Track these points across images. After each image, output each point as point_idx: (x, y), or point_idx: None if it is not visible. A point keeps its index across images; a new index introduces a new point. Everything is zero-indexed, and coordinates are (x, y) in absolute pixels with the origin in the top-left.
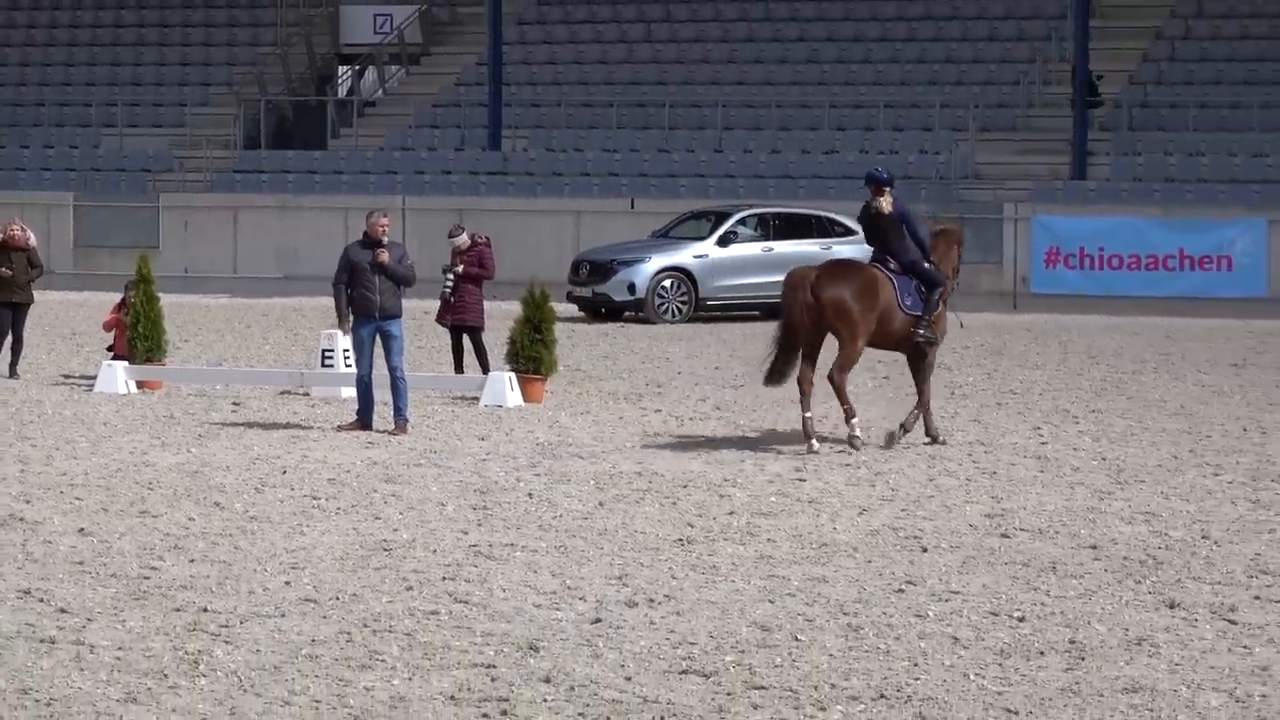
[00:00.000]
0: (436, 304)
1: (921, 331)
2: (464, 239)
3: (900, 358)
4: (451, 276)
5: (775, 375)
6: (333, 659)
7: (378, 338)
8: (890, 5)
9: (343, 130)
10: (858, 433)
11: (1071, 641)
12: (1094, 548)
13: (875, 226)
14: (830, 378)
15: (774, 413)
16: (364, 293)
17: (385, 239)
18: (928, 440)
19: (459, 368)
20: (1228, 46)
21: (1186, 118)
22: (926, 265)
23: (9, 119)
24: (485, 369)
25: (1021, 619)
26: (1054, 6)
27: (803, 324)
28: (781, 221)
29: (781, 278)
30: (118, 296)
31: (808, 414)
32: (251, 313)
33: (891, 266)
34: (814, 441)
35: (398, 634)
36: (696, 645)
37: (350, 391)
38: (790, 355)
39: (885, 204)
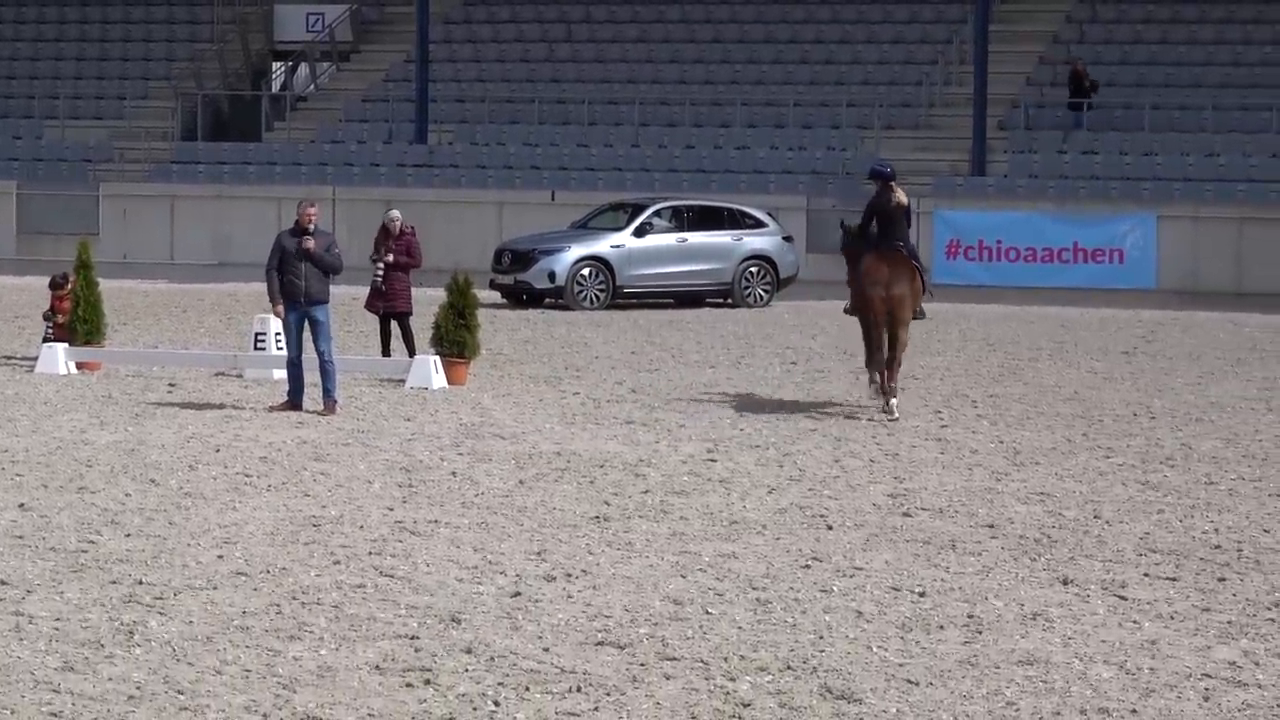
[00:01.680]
0: (365, 291)
1: (919, 309)
2: (395, 215)
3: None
4: (382, 266)
5: (879, 358)
6: (263, 630)
7: (306, 322)
8: (800, 8)
9: (276, 123)
10: (896, 413)
11: (970, 616)
12: (991, 526)
13: (890, 217)
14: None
15: (686, 398)
16: (292, 279)
17: (312, 227)
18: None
19: (386, 351)
20: (1120, 50)
21: (1080, 118)
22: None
23: None
24: (411, 353)
25: (922, 594)
26: (955, 11)
27: (885, 314)
28: (695, 214)
29: (695, 267)
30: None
31: (890, 384)
32: (187, 298)
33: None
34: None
35: (325, 606)
36: (612, 618)
37: (281, 373)
38: (882, 339)
39: (903, 195)
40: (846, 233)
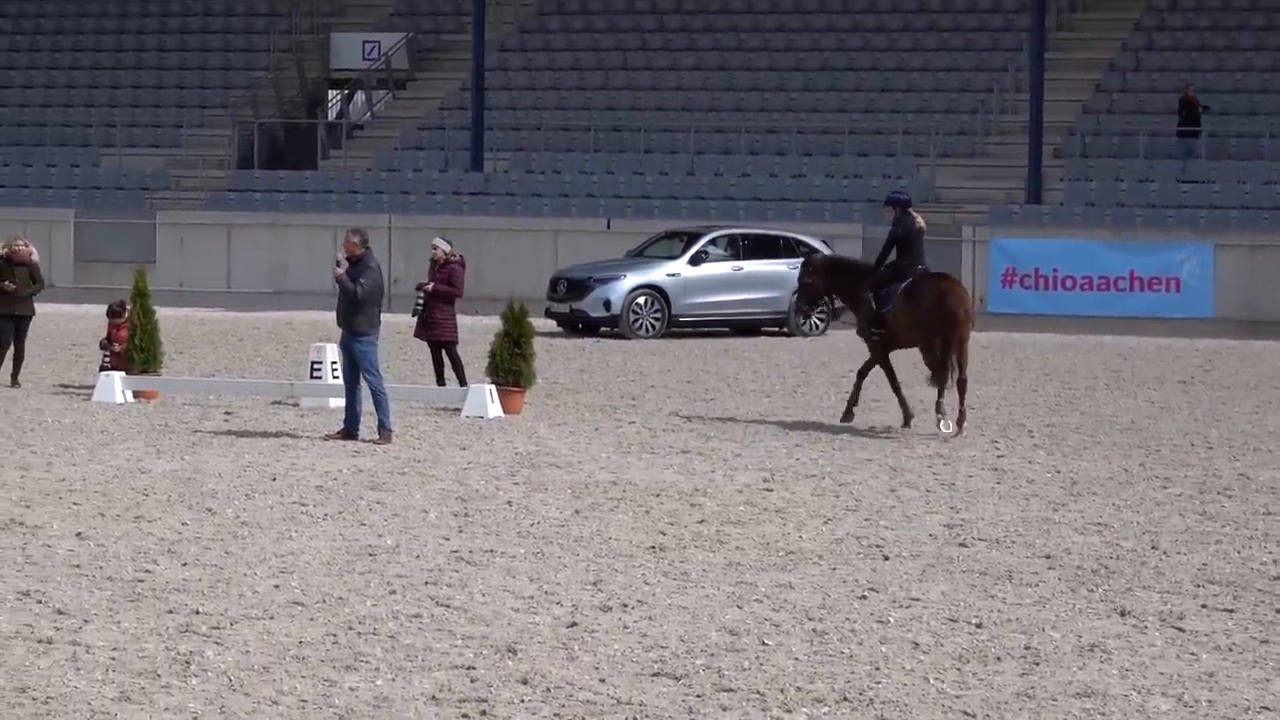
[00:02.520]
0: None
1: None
2: (438, 243)
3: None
4: (422, 295)
5: (948, 378)
6: (319, 660)
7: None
8: (856, 36)
9: (332, 151)
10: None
11: (1027, 647)
12: (1048, 557)
13: (912, 242)
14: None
15: (742, 426)
16: (338, 308)
17: (341, 256)
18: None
19: (440, 380)
20: (1176, 78)
21: (1137, 145)
22: None
23: (13, 139)
24: (461, 381)
25: (979, 625)
26: (1011, 39)
27: (964, 333)
28: (750, 242)
29: (751, 296)
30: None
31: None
32: (244, 326)
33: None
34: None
35: (381, 636)
36: (668, 649)
37: (338, 402)
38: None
39: (922, 220)
40: (807, 266)
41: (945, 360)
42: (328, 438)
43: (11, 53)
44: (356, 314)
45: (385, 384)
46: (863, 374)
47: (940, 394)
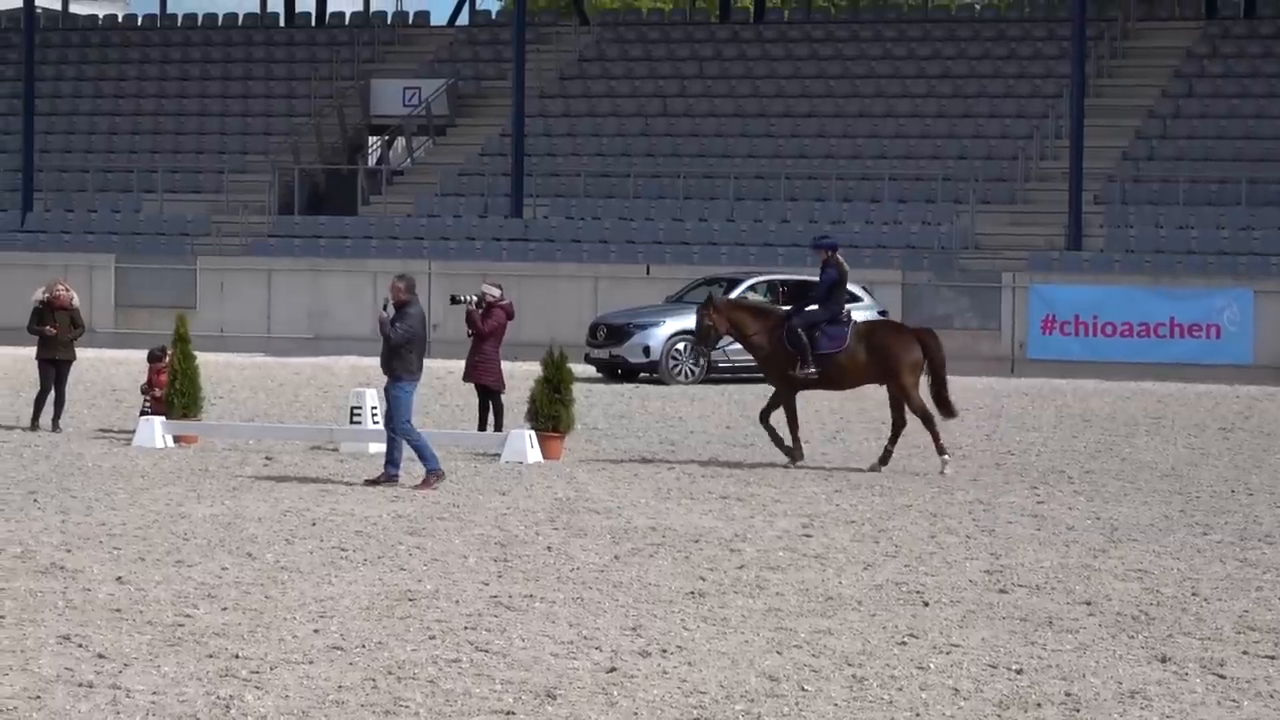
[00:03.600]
0: (459, 364)
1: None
2: (484, 288)
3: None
4: (470, 298)
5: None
6: (359, 705)
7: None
8: (896, 83)
9: (373, 197)
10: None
11: (1067, 694)
12: (1088, 604)
13: (841, 285)
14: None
15: (781, 472)
16: (382, 352)
17: (386, 302)
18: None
19: (482, 425)
20: (1216, 125)
21: (1177, 192)
22: None
23: (55, 184)
24: (498, 427)
25: (1019, 671)
26: (1051, 86)
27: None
28: (790, 288)
29: None
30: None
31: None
32: (283, 371)
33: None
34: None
35: (421, 681)
36: (707, 694)
37: (378, 447)
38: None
39: (846, 265)
40: (708, 307)
41: (942, 396)
42: (368, 482)
43: (55, 99)
44: (393, 359)
45: (417, 429)
46: (766, 415)
47: (937, 434)
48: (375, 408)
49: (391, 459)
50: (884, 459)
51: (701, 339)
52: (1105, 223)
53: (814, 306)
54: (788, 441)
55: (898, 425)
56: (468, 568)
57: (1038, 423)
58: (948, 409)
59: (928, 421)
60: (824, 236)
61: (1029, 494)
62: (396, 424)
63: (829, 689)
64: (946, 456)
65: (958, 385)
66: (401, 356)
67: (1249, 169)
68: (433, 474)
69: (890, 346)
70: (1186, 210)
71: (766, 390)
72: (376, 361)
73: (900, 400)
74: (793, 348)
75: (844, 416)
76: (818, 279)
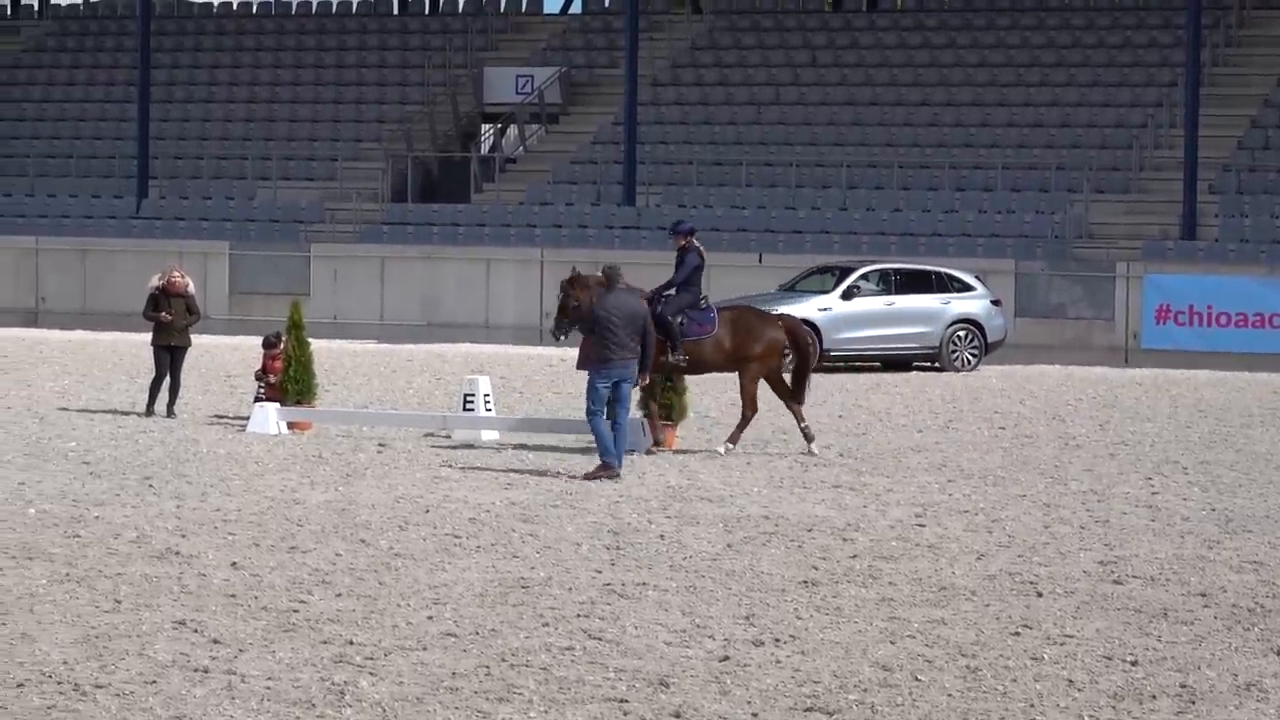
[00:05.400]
0: (574, 351)
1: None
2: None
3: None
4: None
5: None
6: (472, 691)
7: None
8: (1010, 71)
9: (485, 185)
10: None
11: (1182, 686)
12: (1204, 595)
13: (700, 271)
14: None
15: (893, 462)
16: None
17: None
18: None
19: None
20: None
21: None
22: None
23: (170, 171)
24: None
25: (1134, 663)
26: (1166, 74)
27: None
28: (902, 277)
29: (902, 331)
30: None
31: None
32: (397, 358)
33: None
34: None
35: (534, 668)
36: (820, 684)
37: (490, 434)
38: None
39: (704, 250)
40: (575, 283)
41: (803, 383)
42: (588, 477)
43: (169, 86)
44: (587, 346)
45: (598, 419)
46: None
47: (802, 415)
48: (488, 395)
49: (606, 449)
50: (807, 437)
51: (567, 318)
52: (1220, 212)
53: (671, 292)
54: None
55: (790, 405)
56: (581, 555)
57: (1152, 413)
58: (799, 397)
59: (752, 409)
60: (681, 222)
61: (1143, 485)
62: (586, 411)
63: (942, 679)
64: (811, 440)
65: (1072, 375)
66: (595, 345)
67: None
68: (604, 468)
69: (754, 331)
70: None
71: (878, 379)
72: (488, 349)
73: (781, 381)
74: (663, 334)
75: (957, 406)
76: (931, 270)
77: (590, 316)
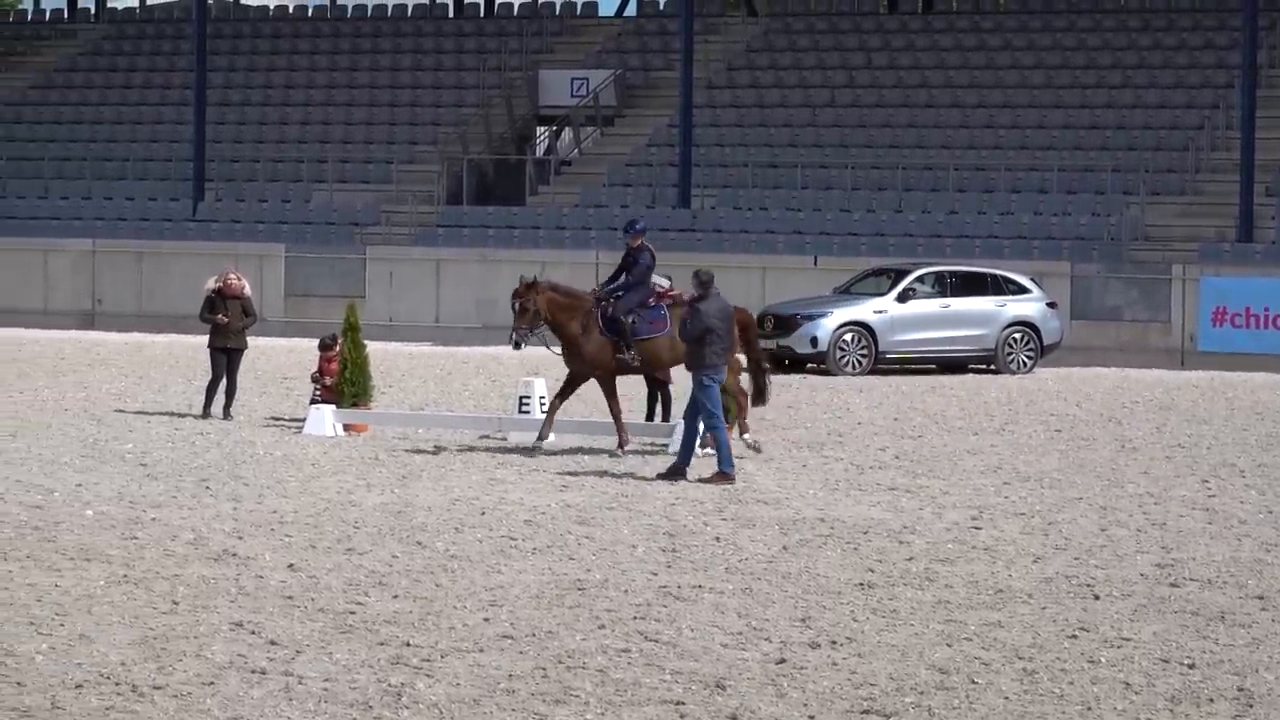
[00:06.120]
0: None
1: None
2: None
3: None
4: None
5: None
6: (529, 693)
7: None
8: (1065, 73)
9: (540, 187)
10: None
11: (1240, 689)
12: (1261, 598)
13: (652, 270)
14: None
15: (949, 464)
16: None
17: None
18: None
19: (650, 415)
20: None
21: None
22: None
23: (226, 174)
24: (665, 417)
25: (1191, 666)
26: (1222, 76)
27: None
28: (958, 279)
29: (958, 333)
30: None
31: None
32: (452, 360)
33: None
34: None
35: (591, 670)
36: (877, 686)
37: (549, 436)
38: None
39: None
40: (532, 288)
41: (762, 380)
42: (659, 477)
43: (225, 89)
44: (694, 351)
45: (722, 430)
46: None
47: (744, 417)
48: (544, 397)
49: (727, 457)
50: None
51: (523, 320)
52: (1276, 214)
53: (622, 292)
54: (544, 432)
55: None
56: (636, 557)
57: (1209, 415)
58: (762, 397)
59: (741, 395)
60: (635, 222)
61: (1200, 487)
62: (702, 415)
63: (999, 682)
64: (747, 437)
65: (1128, 377)
66: (706, 352)
67: None
68: (723, 474)
69: None
70: None
71: (934, 382)
72: (544, 351)
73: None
74: (614, 335)
75: (1013, 409)
76: (987, 272)
77: (541, 320)
